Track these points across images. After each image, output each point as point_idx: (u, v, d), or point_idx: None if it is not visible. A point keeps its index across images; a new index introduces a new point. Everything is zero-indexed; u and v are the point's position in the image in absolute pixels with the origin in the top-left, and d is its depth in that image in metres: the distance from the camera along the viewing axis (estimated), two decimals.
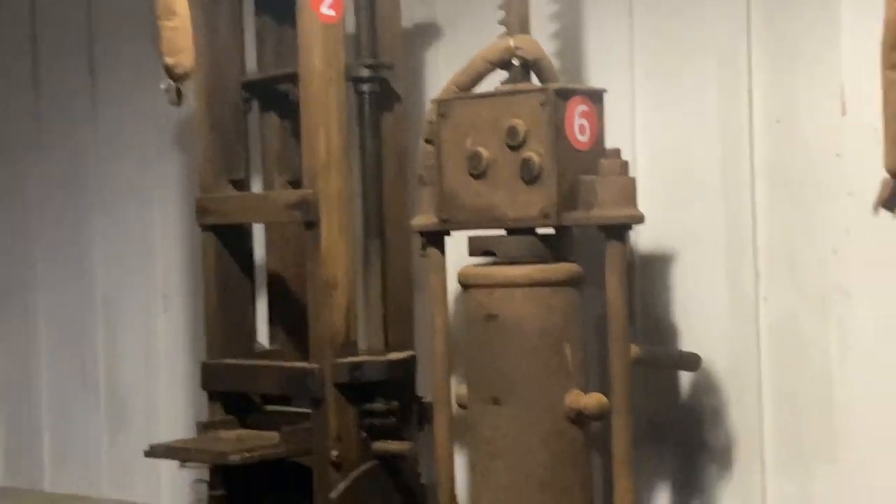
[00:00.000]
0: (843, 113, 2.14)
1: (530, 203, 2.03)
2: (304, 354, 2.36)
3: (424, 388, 2.38)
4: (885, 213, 1.66)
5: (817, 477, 2.21)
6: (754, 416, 2.29)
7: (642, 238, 2.39)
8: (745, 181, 2.29)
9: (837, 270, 2.17)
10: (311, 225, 2.25)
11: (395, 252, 2.39)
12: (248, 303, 2.52)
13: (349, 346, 2.28)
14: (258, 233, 2.65)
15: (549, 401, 2.02)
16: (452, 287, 2.20)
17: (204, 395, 2.52)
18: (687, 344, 2.35)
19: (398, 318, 2.40)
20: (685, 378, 2.37)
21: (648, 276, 2.40)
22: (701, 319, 2.35)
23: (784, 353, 2.26)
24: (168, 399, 3.18)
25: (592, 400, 2.02)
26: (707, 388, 2.35)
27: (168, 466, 3.00)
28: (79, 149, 3.39)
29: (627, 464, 2.00)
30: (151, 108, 3.10)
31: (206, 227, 2.46)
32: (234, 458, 2.18)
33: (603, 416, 2.02)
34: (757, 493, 2.28)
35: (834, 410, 2.19)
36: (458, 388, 2.19)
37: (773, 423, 2.27)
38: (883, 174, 1.63)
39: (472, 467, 2.11)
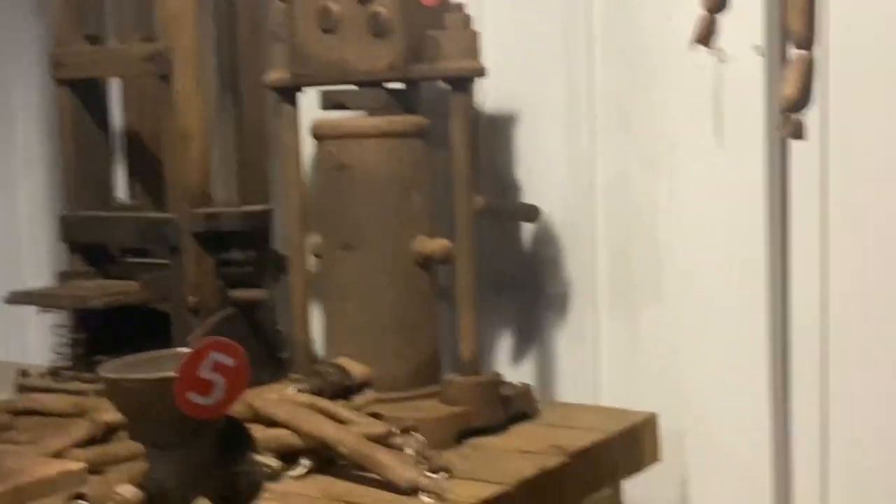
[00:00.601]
0: None
1: (379, 56, 2.02)
2: (162, 209, 2.33)
3: (280, 243, 2.38)
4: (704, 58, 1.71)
5: (644, 317, 2.31)
6: (588, 264, 2.37)
7: (488, 99, 2.42)
8: (583, 43, 2.32)
9: (665, 124, 2.23)
10: (166, 77, 2.20)
11: (250, 107, 2.36)
12: (105, 158, 2.46)
13: (205, 198, 2.26)
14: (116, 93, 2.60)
15: (398, 246, 2.05)
16: (306, 142, 2.19)
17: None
18: (529, 198, 2.40)
19: (253, 172, 2.38)
20: (527, 231, 2.43)
21: (493, 135, 2.44)
22: (542, 175, 2.40)
23: (617, 204, 2.33)
24: (31, 259, 3.12)
25: (438, 245, 2.06)
26: (546, 239, 2.41)
27: (35, 329, 2.96)
28: None
29: (470, 305, 2.05)
30: None
31: (61, 82, 2.39)
32: (96, 303, 2.16)
33: (448, 260, 2.06)
34: (590, 334, 2.37)
35: (660, 256, 2.28)
36: (311, 238, 2.20)
37: (606, 270, 2.36)
38: (701, 12, 1.68)
39: (326, 310, 2.14)
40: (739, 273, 2.15)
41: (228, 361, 1.23)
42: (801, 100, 1.45)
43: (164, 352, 1.33)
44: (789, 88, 1.42)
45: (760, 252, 2.10)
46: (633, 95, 2.27)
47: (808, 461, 2.15)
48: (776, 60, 2.00)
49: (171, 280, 2.24)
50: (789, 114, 1.46)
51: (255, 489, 1.37)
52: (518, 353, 2.47)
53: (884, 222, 2.05)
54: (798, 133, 1.48)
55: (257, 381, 2.05)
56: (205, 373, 1.22)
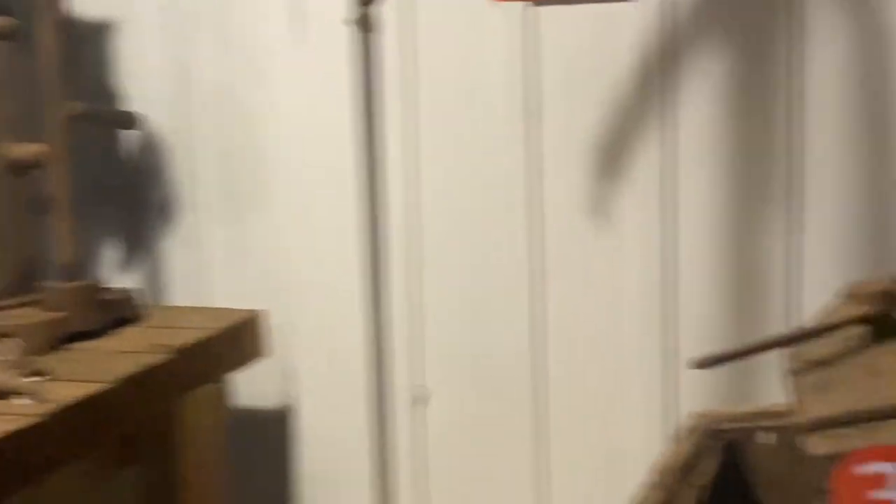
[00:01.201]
0: None
1: None
2: None
3: None
4: None
5: (249, 222, 2.33)
6: (194, 172, 2.35)
7: (90, 11, 2.32)
8: None
9: (254, 31, 2.24)
10: None
11: None
12: None
13: None
14: None
15: None
16: None
17: None
18: (136, 107, 2.34)
19: None
20: (131, 140, 2.37)
21: (94, 45, 2.34)
22: (145, 84, 2.35)
23: (220, 112, 2.31)
24: None
25: (27, 150, 1.95)
26: (151, 147, 2.36)
27: None
28: None
29: (66, 210, 1.96)
30: None
31: None
32: None
33: (38, 164, 1.96)
34: (194, 240, 2.36)
35: (263, 162, 2.30)
36: None
37: (213, 177, 2.34)
38: None
39: None
40: (331, 175, 2.21)
41: None
42: None
43: None
44: None
45: (348, 152, 2.16)
46: (225, 4, 2.26)
47: (401, 351, 2.26)
48: None
49: None
50: (362, 6, 1.50)
51: None
52: (128, 261, 2.41)
53: (466, 105, 2.15)
54: (369, 26, 1.53)
55: None
56: None
